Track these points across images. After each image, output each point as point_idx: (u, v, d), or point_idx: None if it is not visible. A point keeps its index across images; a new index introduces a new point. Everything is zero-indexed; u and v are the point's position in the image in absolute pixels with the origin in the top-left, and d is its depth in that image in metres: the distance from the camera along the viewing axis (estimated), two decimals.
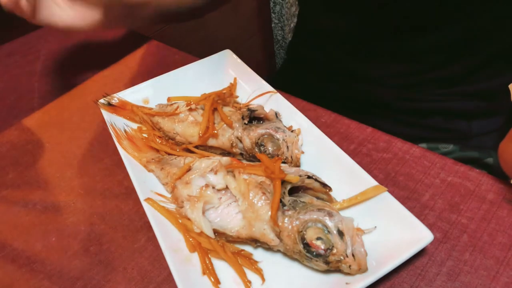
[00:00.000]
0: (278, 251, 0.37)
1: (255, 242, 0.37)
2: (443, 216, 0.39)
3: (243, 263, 0.36)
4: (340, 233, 0.33)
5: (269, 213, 0.35)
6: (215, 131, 0.45)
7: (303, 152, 0.43)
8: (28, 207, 0.45)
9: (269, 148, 0.43)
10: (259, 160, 0.41)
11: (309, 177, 0.37)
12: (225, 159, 0.41)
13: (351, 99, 0.65)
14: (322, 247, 0.33)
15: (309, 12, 0.70)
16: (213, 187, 0.39)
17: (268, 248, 0.37)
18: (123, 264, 0.39)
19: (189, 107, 0.48)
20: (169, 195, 0.42)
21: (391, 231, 0.35)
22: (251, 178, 0.38)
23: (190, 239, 0.38)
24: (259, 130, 0.44)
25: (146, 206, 0.39)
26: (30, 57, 0.71)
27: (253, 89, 0.52)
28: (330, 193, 0.38)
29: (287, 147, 0.43)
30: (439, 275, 0.35)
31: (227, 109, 0.48)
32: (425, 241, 0.33)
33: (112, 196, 0.45)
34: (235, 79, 0.55)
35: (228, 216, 0.38)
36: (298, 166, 0.43)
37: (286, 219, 0.35)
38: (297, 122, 0.47)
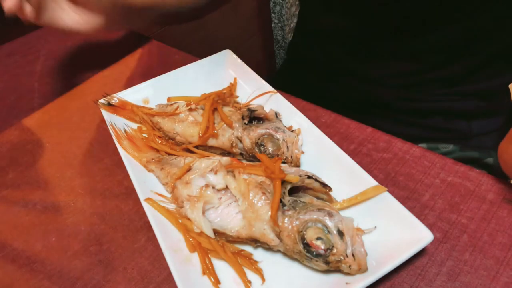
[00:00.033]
0: (278, 251, 0.37)
1: (255, 242, 0.37)
2: (443, 216, 0.39)
3: (243, 263, 0.36)
4: (340, 233, 0.33)
5: (269, 213, 0.35)
6: (215, 131, 0.45)
7: (303, 152, 0.43)
8: (28, 207, 0.45)
9: (269, 148, 0.43)
10: (259, 160, 0.41)
11: (309, 177, 0.37)
12: (225, 159, 0.41)
13: (351, 99, 0.65)
14: (322, 247, 0.33)
15: (310, 12, 0.70)
16: (213, 187, 0.39)
17: (268, 248, 0.37)
18: (123, 264, 0.39)
19: (189, 107, 0.48)
20: (169, 195, 0.42)
21: (391, 231, 0.35)
22: (251, 178, 0.38)
23: (190, 239, 0.38)
24: (259, 130, 0.44)
25: (146, 206, 0.39)
26: (30, 57, 0.71)
27: (253, 89, 0.52)
28: (330, 193, 0.38)
29: (287, 147, 0.43)
30: (439, 275, 0.35)
31: (227, 109, 0.48)
32: (425, 241, 0.33)
33: (112, 196, 0.45)
34: (235, 79, 0.55)
35: (228, 216, 0.38)
36: (298, 166, 0.43)
37: (286, 219, 0.35)
38: (297, 122, 0.47)
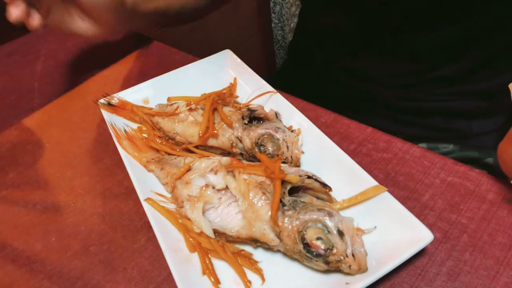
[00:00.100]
0: (278, 251, 0.37)
1: (255, 242, 0.37)
2: (443, 216, 0.39)
3: (243, 263, 0.36)
4: (340, 233, 0.33)
5: (269, 213, 0.35)
6: (215, 131, 0.45)
7: (303, 152, 0.43)
8: (28, 207, 0.45)
9: (269, 148, 0.43)
10: (259, 160, 0.41)
11: (309, 177, 0.37)
12: (225, 159, 0.41)
13: (351, 99, 0.65)
14: (322, 247, 0.33)
15: (310, 11, 0.70)
16: (213, 187, 0.39)
17: (268, 248, 0.37)
18: (123, 264, 0.39)
19: (189, 107, 0.48)
20: (169, 195, 0.42)
21: (391, 231, 0.35)
22: (251, 178, 0.38)
23: (190, 239, 0.38)
24: (259, 130, 0.44)
25: (146, 206, 0.39)
26: (30, 57, 0.71)
27: (253, 89, 0.52)
28: (330, 193, 0.38)
29: (287, 147, 0.43)
30: (439, 275, 0.35)
31: (227, 109, 0.48)
32: (425, 241, 0.33)
33: (112, 196, 0.45)
34: (235, 79, 0.55)
35: (228, 216, 0.38)
36: (298, 166, 0.43)
37: (286, 219, 0.35)
38: (297, 122, 0.47)
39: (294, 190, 0.38)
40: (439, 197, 0.41)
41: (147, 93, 0.54)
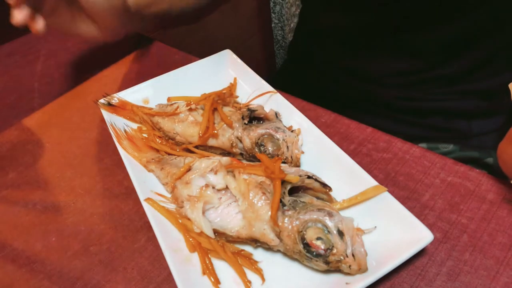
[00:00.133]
0: (278, 251, 0.37)
1: (255, 242, 0.37)
2: (443, 216, 0.39)
3: (243, 263, 0.36)
4: (340, 233, 0.33)
5: (269, 213, 0.35)
6: (215, 131, 0.45)
7: (303, 152, 0.43)
8: (28, 207, 0.45)
9: (269, 148, 0.43)
10: (259, 160, 0.41)
11: (309, 177, 0.37)
12: (225, 159, 0.41)
13: (351, 99, 0.65)
14: (322, 247, 0.33)
15: (310, 11, 0.70)
16: (213, 187, 0.39)
17: (268, 248, 0.37)
18: (123, 264, 0.39)
19: (189, 107, 0.48)
20: (169, 195, 0.42)
21: (391, 231, 0.35)
22: (251, 178, 0.38)
23: (190, 239, 0.38)
24: (259, 130, 0.44)
25: (146, 206, 0.39)
26: (30, 57, 0.71)
27: (253, 89, 0.52)
28: (330, 193, 0.38)
29: (287, 147, 0.43)
30: (439, 275, 0.35)
31: (227, 109, 0.48)
32: (425, 241, 0.33)
33: (112, 196, 0.45)
34: (235, 79, 0.55)
35: (228, 216, 0.38)
36: (298, 166, 0.43)
37: (286, 219, 0.35)
38: (297, 122, 0.47)
39: (294, 190, 0.38)
40: (439, 197, 0.41)
41: (147, 93, 0.54)
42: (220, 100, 0.49)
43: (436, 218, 0.39)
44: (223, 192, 0.39)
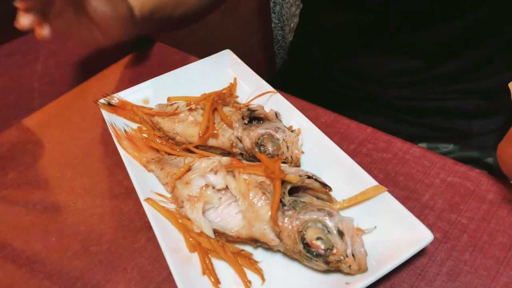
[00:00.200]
0: (278, 251, 0.37)
1: (255, 242, 0.37)
2: (443, 216, 0.39)
3: (243, 263, 0.36)
4: (340, 233, 0.33)
5: (269, 213, 0.35)
6: (215, 131, 0.45)
7: (303, 152, 0.43)
8: (28, 207, 0.45)
9: (269, 148, 0.43)
10: (259, 160, 0.41)
11: (309, 177, 0.37)
12: (225, 159, 0.41)
13: (351, 99, 0.65)
14: (322, 247, 0.33)
15: (310, 11, 0.70)
16: (213, 187, 0.39)
17: (268, 248, 0.37)
18: (123, 264, 0.39)
19: (189, 107, 0.48)
20: (169, 195, 0.42)
21: (391, 231, 0.35)
22: (251, 178, 0.38)
23: (190, 239, 0.38)
24: (259, 130, 0.44)
25: (146, 206, 0.39)
26: (30, 57, 0.71)
27: (253, 89, 0.52)
28: (330, 193, 0.38)
29: (287, 147, 0.43)
30: (439, 275, 0.35)
31: (227, 109, 0.48)
32: (425, 241, 0.33)
33: (112, 196, 0.45)
34: (235, 79, 0.55)
35: (228, 216, 0.38)
36: (298, 166, 0.43)
37: (286, 219, 0.35)
38: (297, 122, 0.47)
39: (294, 190, 0.38)
40: (439, 197, 0.41)
41: (147, 93, 0.54)
42: (220, 100, 0.49)
43: (436, 218, 0.39)
44: (223, 192, 0.39)
